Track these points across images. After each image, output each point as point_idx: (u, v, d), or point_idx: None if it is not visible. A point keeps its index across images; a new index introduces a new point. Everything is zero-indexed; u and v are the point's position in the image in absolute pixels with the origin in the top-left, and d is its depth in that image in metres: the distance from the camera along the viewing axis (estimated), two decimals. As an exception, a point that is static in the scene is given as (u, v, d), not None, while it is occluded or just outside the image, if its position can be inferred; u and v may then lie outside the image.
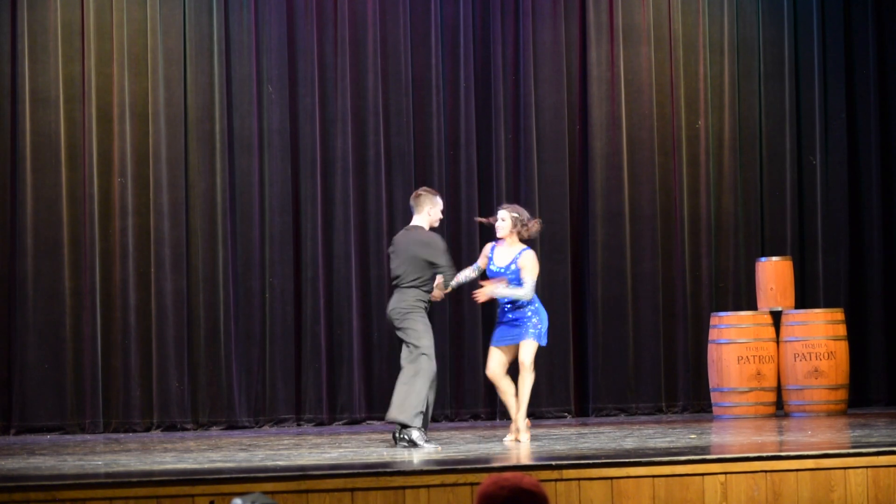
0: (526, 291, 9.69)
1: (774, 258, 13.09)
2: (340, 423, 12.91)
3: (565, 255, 13.41)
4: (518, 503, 4.10)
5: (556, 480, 7.24)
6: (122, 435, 12.19)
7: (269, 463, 8.23)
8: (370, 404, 13.02)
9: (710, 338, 12.86)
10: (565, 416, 13.18)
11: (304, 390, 12.93)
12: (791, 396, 12.71)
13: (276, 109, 13.02)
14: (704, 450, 8.69)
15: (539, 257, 10.26)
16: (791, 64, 14.07)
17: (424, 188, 10.01)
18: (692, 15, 13.95)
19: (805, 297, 13.66)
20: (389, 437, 10.88)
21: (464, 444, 9.73)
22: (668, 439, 9.59)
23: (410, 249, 9.56)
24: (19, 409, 12.36)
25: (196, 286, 12.76)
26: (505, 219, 9.88)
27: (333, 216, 13.09)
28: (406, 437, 9.36)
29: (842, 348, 12.73)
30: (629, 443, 9.35)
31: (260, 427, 12.72)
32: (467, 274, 10.01)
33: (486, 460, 8.25)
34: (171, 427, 12.53)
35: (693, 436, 10.04)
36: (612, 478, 7.32)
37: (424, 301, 9.57)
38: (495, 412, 13.21)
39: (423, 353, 9.41)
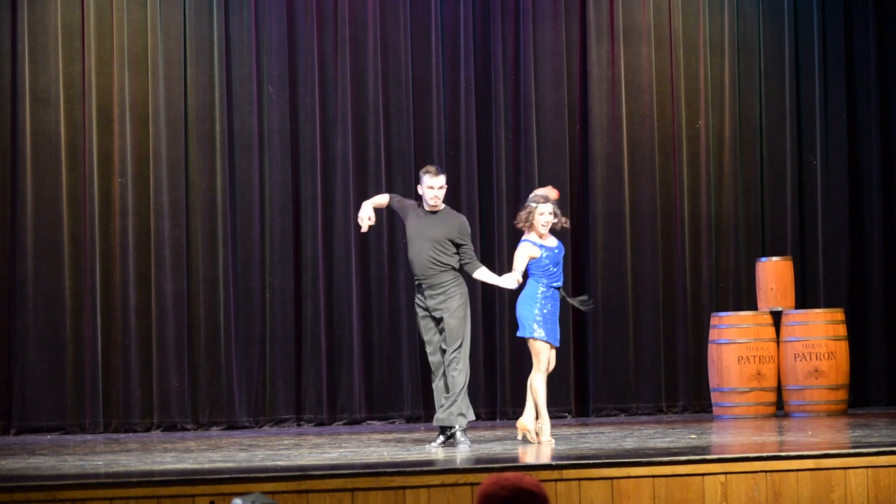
0: (507, 280, 9.66)
1: (775, 258, 13.08)
2: (340, 423, 12.91)
3: (566, 254, 13.36)
4: (518, 503, 4.09)
5: (556, 480, 7.24)
6: (122, 435, 12.19)
7: (269, 463, 8.23)
8: (370, 404, 13.02)
9: (710, 338, 12.86)
10: (565, 417, 13.18)
11: (304, 390, 12.93)
12: (791, 396, 12.70)
13: (276, 109, 13.02)
14: (704, 450, 8.69)
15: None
16: (791, 64, 14.07)
17: (427, 165, 10.04)
18: (692, 15, 13.95)
19: (805, 297, 13.66)
20: (390, 437, 10.88)
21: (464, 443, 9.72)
22: (668, 439, 9.59)
23: (441, 226, 9.77)
24: (19, 409, 12.36)
25: (196, 286, 12.76)
26: (556, 213, 9.84)
27: (333, 216, 13.09)
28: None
29: (842, 348, 12.73)
30: (629, 443, 9.35)
31: (260, 427, 12.72)
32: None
33: (487, 460, 8.25)
34: (171, 427, 12.53)
35: (693, 436, 10.04)
36: (612, 478, 7.32)
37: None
38: (495, 412, 13.21)
39: (465, 353, 9.68)
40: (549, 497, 4.14)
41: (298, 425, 12.83)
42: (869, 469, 7.58)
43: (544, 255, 9.65)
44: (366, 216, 9.77)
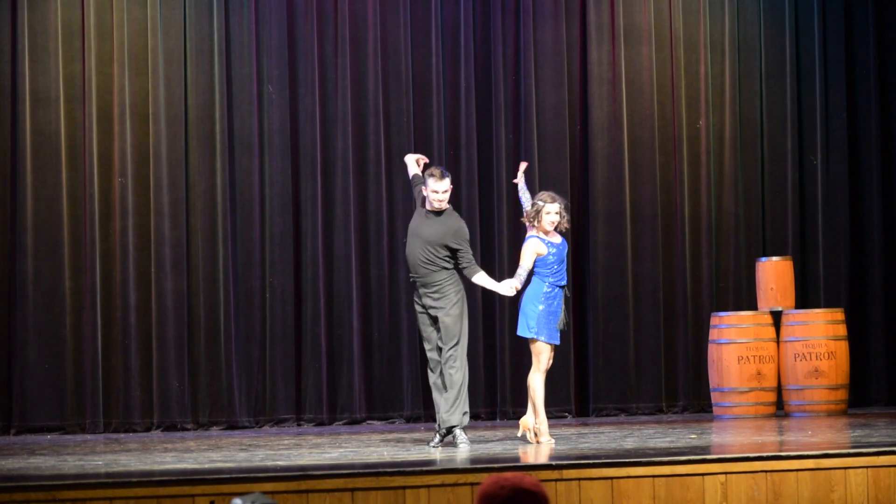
0: (516, 278, 9.65)
1: (775, 258, 13.08)
2: (340, 423, 12.91)
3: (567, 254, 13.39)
4: (518, 503, 4.09)
5: (556, 480, 7.24)
6: (122, 435, 12.19)
7: (269, 463, 8.23)
8: (370, 404, 13.02)
9: (710, 338, 12.86)
10: (566, 416, 13.17)
11: (304, 390, 12.92)
12: (791, 396, 12.70)
13: (276, 109, 13.01)
14: (704, 450, 8.69)
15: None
16: (792, 64, 14.07)
17: (431, 168, 10.01)
18: (693, 15, 13.95)
19: (805, 297, 13.66)
20: (390, 437, 10.88)
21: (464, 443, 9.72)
22: (668, 439, 9.59)
23: (436, 230, 9.74)
24: (19, 409, 12.36)
25: (196, 286, 12.76)
26: (551, 211, 9.84)
27: (334, 216, 13.08)
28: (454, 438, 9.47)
29: (842, 348, 12.73)
30: (629, 443, 9.35)
31: (260, 427, 12.72)
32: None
33: (487, 460, 8.25)
34: (171, 427, 12.53)
35: (693, 436, 10.04)
36: (612, 478, 7.32)
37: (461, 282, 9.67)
38: (495, 412, 13.21)
39: (462, 352, 9.63)
40: (549, 497, 4.14)
41: (298, 425, 12.83)
42: (869, 469, 7.58)
43: (551, 252, 9.66)
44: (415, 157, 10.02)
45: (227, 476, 7.08)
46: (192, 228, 12.81)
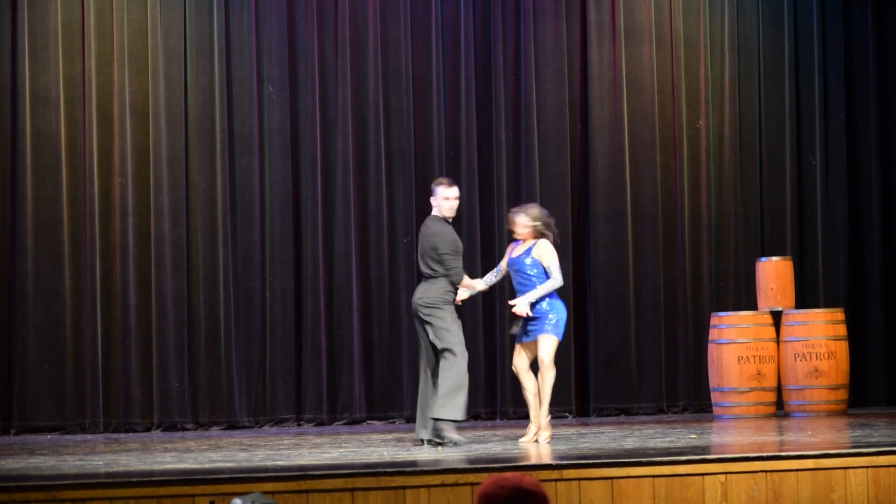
0: (554, 279, 9.65)
1: (774, 258, 13.08)
2: (341, 423, 12.91)
3: (567, 254, 13.39)
4: (518, 503, 4.09)
5: (556, 480, 7.23)
6: (122, 435, 12.19)
7: (269, 463, 8.23)
8: (370, 404, 13.02)
9: (710, 338, 12.86)
10: (566, 416, 13.17)
11: (304, 390, 12.93)
12: (791, 396, 12.70)
13: (276, 109, 13.02)
14: (704, 450, 8.69)
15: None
16: (791, 64, 14.07)
17: (439, 178, 10.04)
18: (693, 15, 13.95)
19: (805, 297, 13.66)
20: (390, 437, 10.87)
21: (464, 443, 9.71)
22: (668, 439, 9.59)
23: (424, 241, 9.69)
24: (19, 409, 12.36)
25: (196, 286, 12.76)
26: (525, 224, 9.84)
27: (334, 216, 13.09)
28: (438, 433, 9.41)
29: (842, 348, 12.73)
30: (629, 443, 9.35)
31: (260, 427, 12.72)
32: (490, 278, 10.08)
33: (487, 460, 8.25)
34: (171, 427, 12.53)
35: (693, 436, 10.04)
36: (612, 478, 7.32)
37: (452, 292, 9.60)
38: (495, 412, 13.21)
39: (454, 353, 9.46)
40: (549, 497, 4.14)
41: (298, 425, 12.83)
42: (869, 469, 7.58)
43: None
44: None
45: (227, 476, 7.08)
46: (192, 228, 12.81)
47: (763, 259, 13.15)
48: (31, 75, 12.56)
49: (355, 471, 7.23)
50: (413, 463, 8.12)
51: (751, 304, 13.28)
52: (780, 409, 12.81)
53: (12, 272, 12.45)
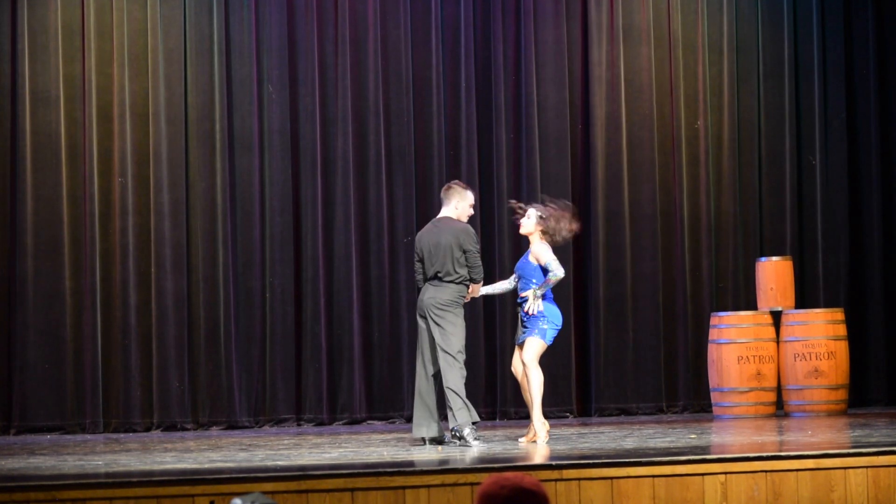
0: (553, 272, 9.63)
1: (774, 258, 13.08)
2: (341, 423, 12.91)
3: (567, 254, 13.38)
4: (518, 503, 4.09)
5: (556, 480, 7.23)
6: (122, 435, 12.19)
7: (269, 463, 8.23)
8: (370, 404, 13.02)
9: (710, 338, 12.86)
10: (567, 416, 13.17)
11: (304, 390, 12.93)
12: (791, 396, 12.70)
13: (276, 109, 13.02)
14: (704, 450, 8.69)
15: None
16: (791, 64, 14.07)
17: (456, 181, 10.05)
18: (692, 15, 13.95)
19: (805, 297, 13.66)
20: (391, 437, 10.87)
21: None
22: (668, 439, 9.59)
23: (444, 241, 9.58)
24: (19, 409, 12.36)
25: (196, 286, 12.77)
26: (530, 216, 9.85)
27: (334, 216, 13.09)
28: (458, 434, 9.40)
29: (842, 348, 12.73)
30: (629, 443, 9.35)
31: (260, 427, 12.72)
32: (505, 286, 10.07)
33: (487, 460, 8.25)
34: (171, 427, 12.53)
35: (693, 436, 10.04)
36: (612, 478, 7.32)
37: (463, 295, 9.61)
38: (495, 412, 13.21)
39: (453, 357, 9.46)
40: (549, 497, 4.14)
41: (298, 425, 12.83)
42: (869, 469, 7.58)
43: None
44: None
45: (227, 476, 7.08)
46: (192, 228, 12.81)
47: (763, 259, 13.15)
48: (31, 75, 12.56)
49: (355, 471, 7.23)
50: (413, 463, 8.12)
51: (750, 304, 13.28)
52: (779, 409, 12.81)
53: (12, 272, 12.45)
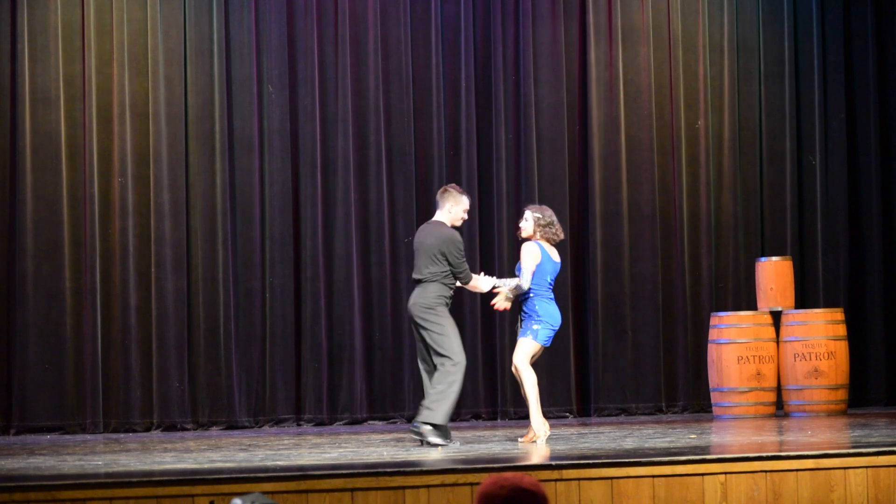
0: (521, 280, 9.64)
1: (774, 258, 13.08)
2: (341, 423, 12.91)
3: (566, 254, 13.39)
4: (518, 503, 4.10)
5: (556, 480, 7.24)
6: (122, 435, 12.20)
7: (269, 463, 8.23)
8: (371, 404, 13.02)
9: (709, 338, 12.86)
10: (567, 416, 13.18)
11: (304, 390, 12.93)
12: (791, 396, 12.71)
13: (276, 109, 13.02)
14: (704, 450, 8.69)
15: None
16: (791, 64, 14.07)
17: (452, 185, 10.04)
18: (691, 15, 13.95)
19: (805, 297, 13.66)
20: (390, 437, 10.88)
21: (464, 443, 9.73)
22: (668, 439, 9.59)
23: (427, 242, 9.59)
24: (19, 409, 12.37)
25: (196, 286, 12.77)
26: (528, 219, 9.86)
27: (334, 216, 13.09)
28: (417, 430, 9.37)
29: (842, 348, 12.73)
30: (629, 443, 9.35)
31: (260, 427, 12.72)
32: (515, 281, 10.03)
33: (487, 460, 8.25)
34: (171, 427, 12.54)
35: (693, 436, 10.04)
36: (612, 478, 7.32)
37: (447, 296, 9.55)
38: (496, 412, 13.21)
39: (452, 361, 9.39)
40: (548, 497, 4.14)
41: (298, 425, 12.83)
42: (869, 469, 7.58)
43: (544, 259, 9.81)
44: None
45: (227, 476, 7.08)
46: (192, 228, 12.81)
47: (763, 259, 13.15)
48: (31, 75, 12.57)
49: (355, 471, 7.23)
50: (413, 463, 8.12)
51: (750, 304, 13.28)
52: (779, 409, 12.82)
53: (12, 272, 12.46)
